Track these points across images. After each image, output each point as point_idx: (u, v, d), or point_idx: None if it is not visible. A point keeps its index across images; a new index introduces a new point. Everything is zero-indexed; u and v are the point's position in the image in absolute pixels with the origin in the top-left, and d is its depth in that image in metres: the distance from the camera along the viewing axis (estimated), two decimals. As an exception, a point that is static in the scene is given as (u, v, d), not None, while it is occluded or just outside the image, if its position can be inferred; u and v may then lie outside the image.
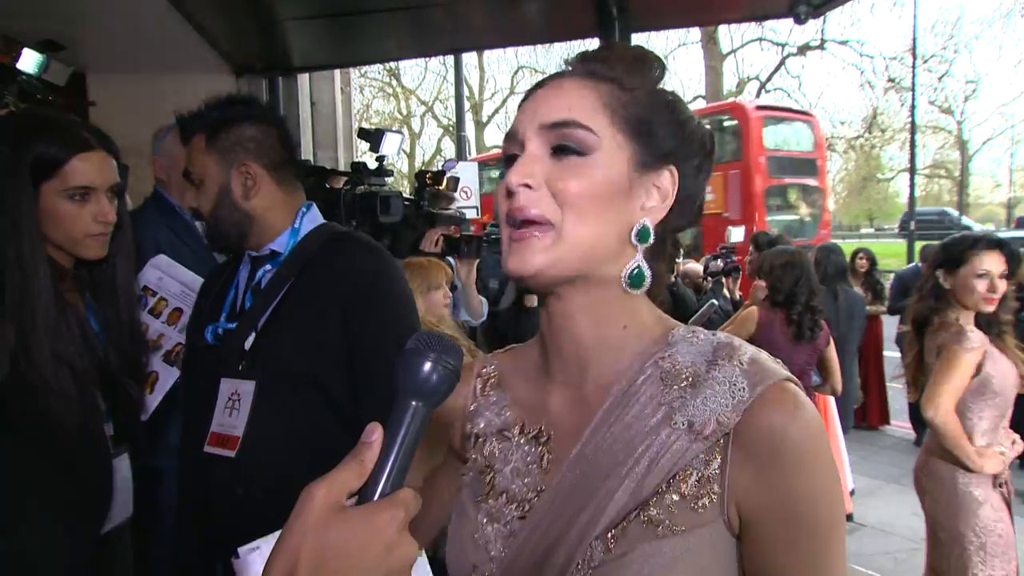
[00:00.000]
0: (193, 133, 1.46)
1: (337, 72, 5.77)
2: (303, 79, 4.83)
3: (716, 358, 0.69)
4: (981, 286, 2.35)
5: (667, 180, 0.73)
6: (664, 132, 0.73)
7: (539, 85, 0.75)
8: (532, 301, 3.23)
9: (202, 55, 3.72)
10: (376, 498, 0.55)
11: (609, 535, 0.67)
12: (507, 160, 0.73)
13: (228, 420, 1.40)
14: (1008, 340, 2.42)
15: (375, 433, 0.56)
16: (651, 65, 0.75)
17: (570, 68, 0.76)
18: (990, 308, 2.38)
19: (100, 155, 1.41)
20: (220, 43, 3.68)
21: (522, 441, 0.77)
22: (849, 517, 4.28)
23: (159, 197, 2.45)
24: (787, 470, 0.65)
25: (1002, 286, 2.36)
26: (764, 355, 0.71)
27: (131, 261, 1.59)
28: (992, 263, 2.36)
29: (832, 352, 3.48)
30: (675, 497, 0.66)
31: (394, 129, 3.25)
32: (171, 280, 1.95)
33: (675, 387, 0.69)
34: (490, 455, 0.79)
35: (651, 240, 0.72)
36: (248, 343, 1.42)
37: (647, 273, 0.73)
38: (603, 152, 0.69)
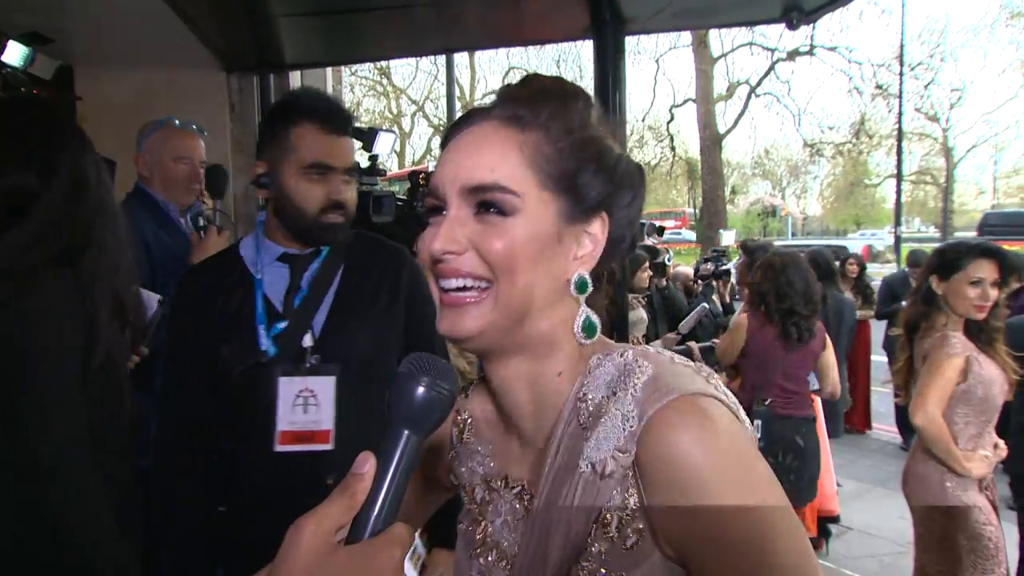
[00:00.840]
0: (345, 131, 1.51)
1: (329, 70, 5.72)
2: (294, 77, 4.79)
3: (615, 388, 0.68)
4: (973, 293, 2.36)
5: (598, 227, 0.73)
6: (593, 183, 0.71)
7: (457, 127, 0.73)
8: None
9: (192, 51, 3.67)
10: (368, 533, 0.52)
11: None
12: (431, 210, 0.72)
13: (304, 417, 1.41)
14: (998, 347, 2.44)
15: (367, 464, 0.54)
16: (577, 102, 0.73)
17: (492, 108, 0.72)
18: (980, 316, 2.39)
19: None
20: (211, 39, 3.63)
21: (507, 495, 0.77)
22: (836, 519, 4.29)
23: (141, 193, 2.42)
24: (691, 494, 0.62)
25: (994, 294, 2.37)
26: (668, 370, 0.68)
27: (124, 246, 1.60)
28: (985, 271, 2.38)
29: (829, 355, 3.49)
30: (604, 545, 0.66)
31: (386, 128, 3.22)
32: None
33: (585, 428, 0.69)
34: (482, 504, 0.80)
35: (589, 289, 0.72)
36: (307, 341, 1.43)
37: (595, 320, 0.73)
38: (527, 211, 0.68)
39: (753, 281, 3.39)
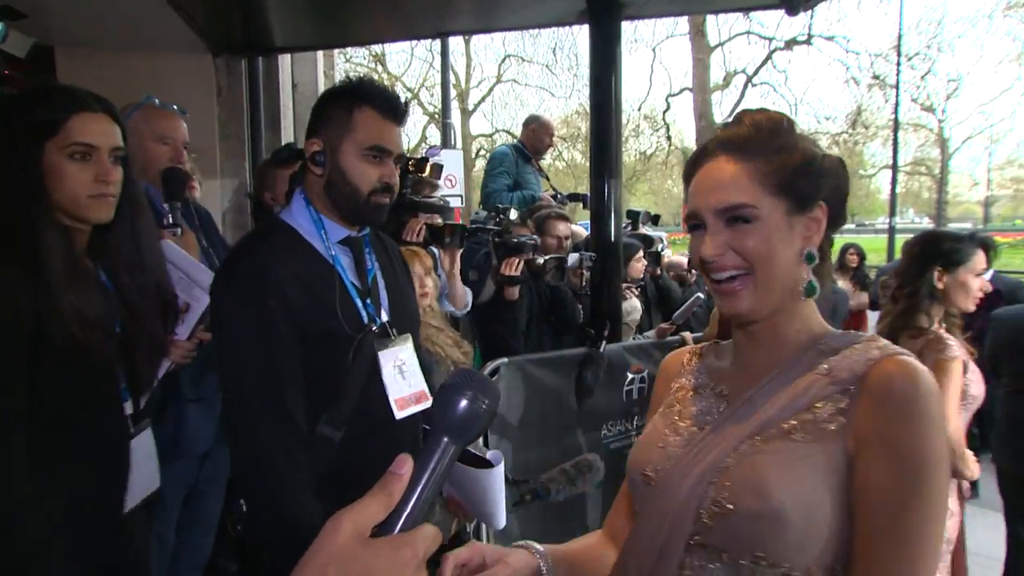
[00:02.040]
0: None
1: (320, 54, 5.62)
2: (284, 60, 4.69)
3: (858, 340, 0.92)
4: (977, 284, 2.33)
5: (819, 213, 0.95)
6: (805, 183, 0.93)
7: (697, 164, 0.99)
8: (512, 294, 3.17)
9: (177, 32, 3.58)
10: (397, 531, 0.55)
11: (756, 436, 0.88)
12: (693, 227, 0.98)
13: (404, 383, 1.58)
14: (958, 334, 2.40)
15: (405, 465, 0.57)
16: (782, 125, 0.96)
17: (719, 146, 0.97)
18: (973, 308, 2.37)
19: (103, 117, 1.45)
20: (196, 19, 3.54)
21: (709, 394, 1.02)
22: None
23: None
24: (895, 410, 0.82)
25: (987, 285, 2.37)
26: (898, 347, 0.90)
27: (151, 228, 1.61)
28: (984, 261, 2.36)
29: None
30: (810, 416, 0.87)
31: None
32: (172, 268, 1.83)
33: (822, 354, 0.92)
34: (683, 398, 1.05)
35: (816, 260, 0.95)
36: (383, 315, 1.57)
37: (816, 285, 0.96)
38: (763, 216, 0.91)
39: None
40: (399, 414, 1.55)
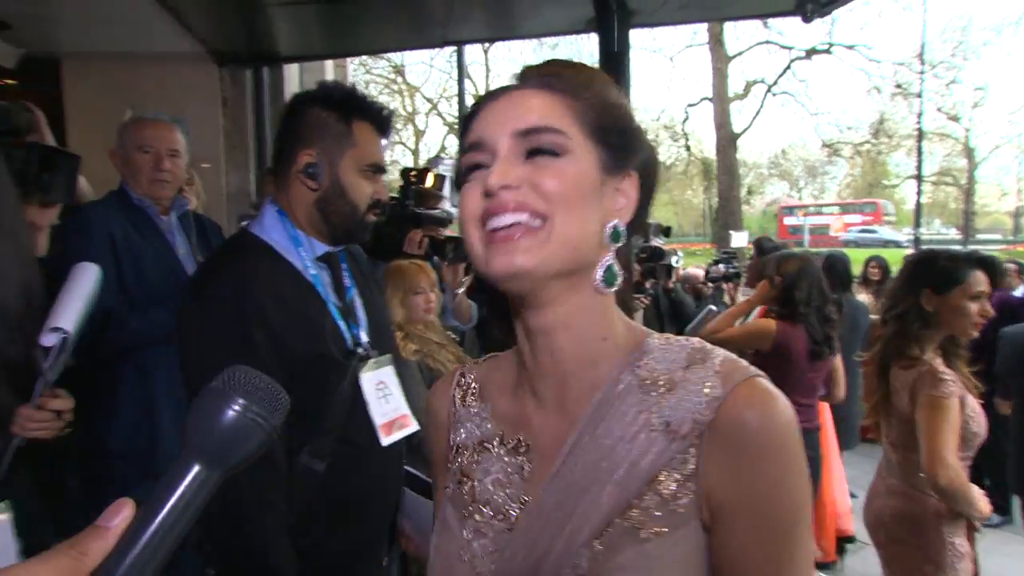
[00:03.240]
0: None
1: (330, 65, 5.61)
2: (292, 71, 4.67)
3: (690, 363, 0.72)
4: (975, 308, 2.08)
5: (629, 185, 0.77)
6: (624, 140, 0.76)
7: (493, 96, 0.76)
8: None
9: (182, 43, 3.57)
10: None
11: (595, 542, 0.68)
12: (471, 168, 0.74)
13: (387, 407, 1.49)
14: (962, 367, 2.16)
15: (118, 515, 0.42)
16: (599, 77, 0.79)
17: (521, 81, 0.78)
18: (975, 334, 2.11)
19: None
20: (199, 30, 3.52)
21: (502, 452, 0.79)
22: (851, 539, 4.10)
23: (120, 191, 2.31)
24: (754, 460, 0.67)
25: (987, 308, 2.12)
26: (736, 357, 0.73)
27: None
28: (984, 283, 2.11)
29: (838, 363, 3.32)
30: (656, 499, 0.68)
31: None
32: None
33: (653, 393, 0.71)
34: (469, 466, 0.81)
35: (622, 241, 0.75)
36: (362, 336, 1.49)
37: (619, 272, 0.75)
38: (575, 153, 0.71)
39: (783, 284, 3.08)
40: (385, 440, 1.47)
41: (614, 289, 0.75)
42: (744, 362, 0.73)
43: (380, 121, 1.47)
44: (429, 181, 3.27)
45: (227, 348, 1.30)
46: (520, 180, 0.70)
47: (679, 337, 0.77)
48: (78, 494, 1.91)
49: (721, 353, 0.73)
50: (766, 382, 0.70)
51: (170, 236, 2.36)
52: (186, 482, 0.43)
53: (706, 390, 0.69)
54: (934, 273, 2.14)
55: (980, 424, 2.10)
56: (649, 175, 0.79)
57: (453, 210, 3.86)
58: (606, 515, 0.68)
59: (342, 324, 1.45)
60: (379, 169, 1.48)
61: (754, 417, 0.67)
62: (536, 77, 0.77)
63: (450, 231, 3.15)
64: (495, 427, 0.81)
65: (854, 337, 4.41)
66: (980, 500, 2.03)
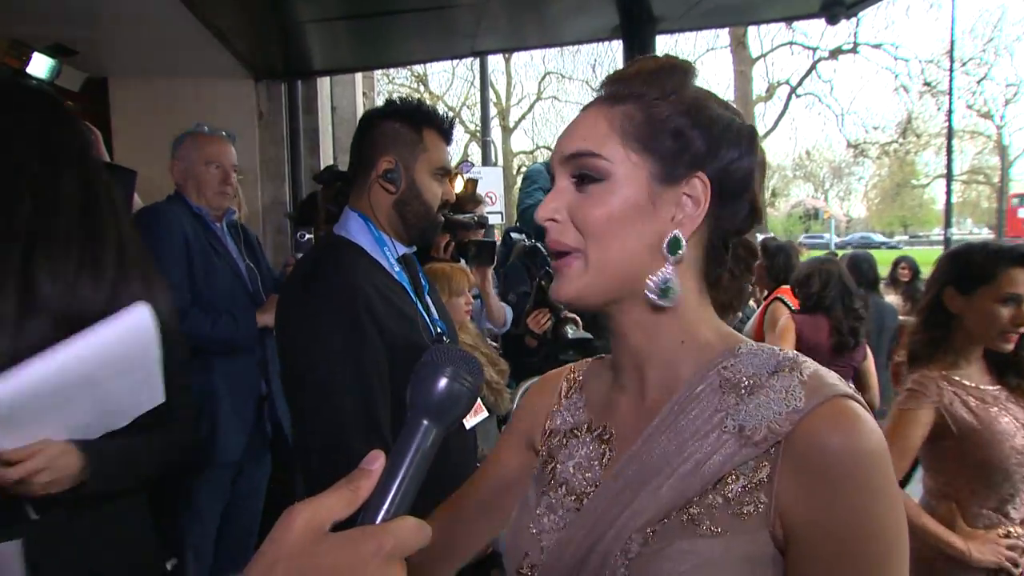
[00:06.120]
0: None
1: (359, 77, 5.75)
2: (323, 84, 4.81)
3: (778, 369, 0.70)
4: (1006, 314, 1.70)
5: (698, 187, 0.73)
6: (685, 140, 0.72)
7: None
8: (531, 343, 3.13)
9: (220, 59, 3.71)
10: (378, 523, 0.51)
11: (649, 530, 0.68)
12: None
13: None
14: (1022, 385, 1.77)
15: (377, 461, 0.52)
16: (673, 72, 0.75)
17: (598, 98, 0.78)
18: (1009, 347, 1.72)
19: None
20: (238, 47, 3.66)
21: (588, 439, 0.81)
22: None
23: (179, 197, 2.43)
24: (837, 488, 0.63)
25: None
26: (828, 371, 0.70)
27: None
28: (1022, 284, 1.71)
29: (870, 365, 3.32)
30: (719, 499, 0.67)
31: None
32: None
33: (733, 395, 0.70)
34: (556, 449, 0.84)
35: (682, 251, 0.72)
36: (437, 329, 1.61)
37: (675, 285, 0.72)
38: (617, 176, 0.71)
39: (809, 287, 3.15)
40: (468, 423, 1.63)
41: (670, 303, 0.73)
42: (836, 377, 0.69)
43: (445, 128, 1.60)
44: (459, 186, 3.35)
45: (340, 331, 1.37)
46: (562, 212, 0.74)
47: (773, 346, 0.75)
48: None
49: (812, 365, 0.70)
50: (855, 404, 0.66)
51: (226, 242, 2.48)
52: (419, 434, 0.53)
53: (788, 400, 0.66)
54: (960, 268, 1.82)
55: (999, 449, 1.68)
56: (728, 176, 0.73)
57: (490, 216, 3.94)
58: (665, 506, 0.68)
59: (425, 316, 1.57)
60: (447, 172, 1.61)
61: (837, 441, 0.63)
62: (608, 85, 0.77)
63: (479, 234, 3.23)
64: (586, 415, 0.84)
65: (881, 339, 4.39)
66: (961, 535, 1.69)
